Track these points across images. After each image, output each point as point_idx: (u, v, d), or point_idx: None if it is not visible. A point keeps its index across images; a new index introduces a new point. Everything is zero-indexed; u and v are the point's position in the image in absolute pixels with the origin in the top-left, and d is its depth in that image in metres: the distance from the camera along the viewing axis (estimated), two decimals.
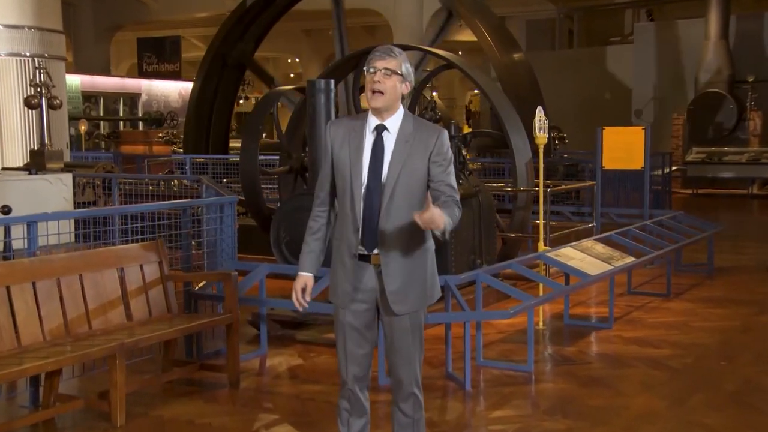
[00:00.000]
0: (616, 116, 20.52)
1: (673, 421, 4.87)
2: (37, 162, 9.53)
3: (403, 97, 3.47)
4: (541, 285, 6.95)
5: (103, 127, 25.87)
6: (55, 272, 4.99)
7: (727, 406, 5.12)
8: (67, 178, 8.87)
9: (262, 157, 10.47)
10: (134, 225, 6.63)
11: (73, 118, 20.15)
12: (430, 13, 19.99)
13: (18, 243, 5.33)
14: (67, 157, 11.70)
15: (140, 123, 25.18)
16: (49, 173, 9.04)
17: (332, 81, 6.98)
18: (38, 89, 9.88)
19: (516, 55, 13.66)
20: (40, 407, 4.91)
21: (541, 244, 7.55)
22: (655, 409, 5.07)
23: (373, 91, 3.39)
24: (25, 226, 5.20)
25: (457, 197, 3.44)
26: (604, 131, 10.33)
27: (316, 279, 3.64)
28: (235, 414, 5.02)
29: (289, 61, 37.33)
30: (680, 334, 6.81)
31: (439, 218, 3.21)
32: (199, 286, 6.14)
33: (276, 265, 6.77)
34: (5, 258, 5.44)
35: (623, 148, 10.23)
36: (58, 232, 5.70)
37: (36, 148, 10.20)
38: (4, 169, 10.81)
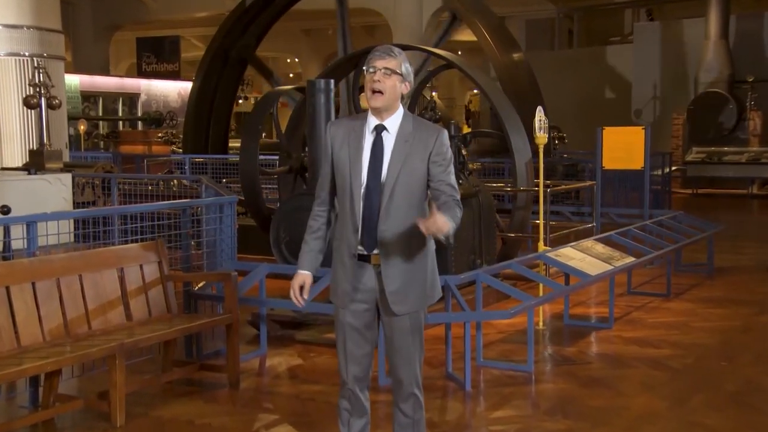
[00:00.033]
0: (615, 116, 20.52)
1: (673, 422, 4.86)
2: (37, 162, 9.50)
3: (402, 97, 3.47)
4: (541, 285, 6.94)
5: (102, 127, 25.86)
6: (55, 272, 4.98)
7: (728, 407, 5.12)
8: (67, 178, 8.85)
9: (261, 157, 10.46)
10: (134, 225, 6.63)
11: (72, 118, 20.11)
12: (430, 13, 20.03)
13: (17, 243, 5.31)
14: (66, 157, 11.69)
15: (139, 123, 25.15)
16: (48, 173, 9.01)
17: (332, 81, 6.98)
18: (37, 89, 9.85)
19: (516, 55, 13.68)
20: (39, 407, 4.90)
21: (541, 244, 7.55)
22: (656, 410, 5.06)
23: (373, 91, 3.39)
24: (25, 226, 5.19)
25: (458, 197, 3.43)
26: (603, 131, 10.33)
27: (315, 279, 3.64)
28: (235, 414, 5.01)
29: (289, 60, 37.32)
30: (680, 334, 6.81)
31: (444, 225, 3.21)
32: (199, 286, 6.14)
33: (276, 265, 6.76)
34: (5, 258, 5.43)
35: (623, 148, 10.23)
36: (58, 232, 5.68)
37: (35, 148, 10.17)
38: (3, 169, 10.78)
